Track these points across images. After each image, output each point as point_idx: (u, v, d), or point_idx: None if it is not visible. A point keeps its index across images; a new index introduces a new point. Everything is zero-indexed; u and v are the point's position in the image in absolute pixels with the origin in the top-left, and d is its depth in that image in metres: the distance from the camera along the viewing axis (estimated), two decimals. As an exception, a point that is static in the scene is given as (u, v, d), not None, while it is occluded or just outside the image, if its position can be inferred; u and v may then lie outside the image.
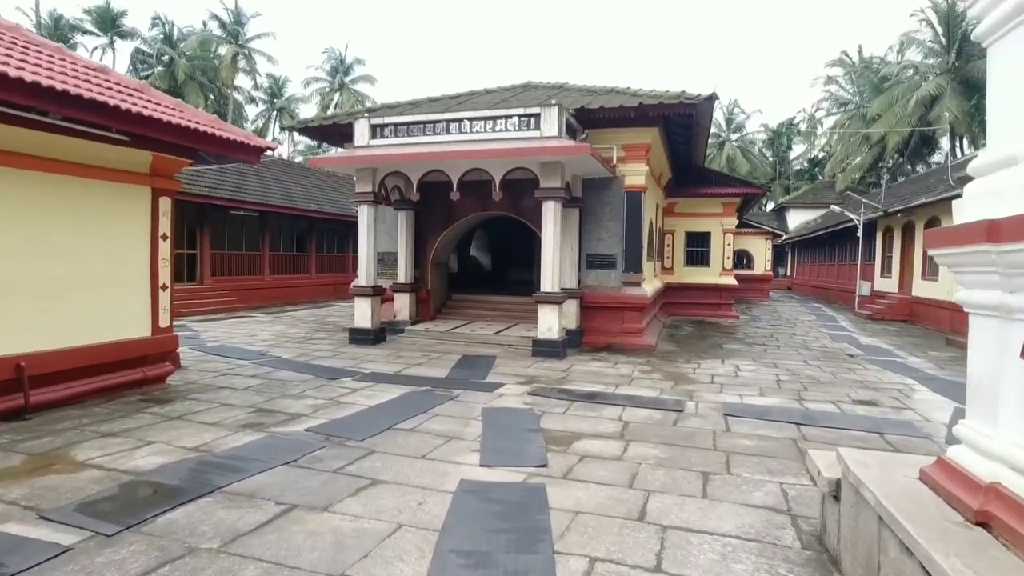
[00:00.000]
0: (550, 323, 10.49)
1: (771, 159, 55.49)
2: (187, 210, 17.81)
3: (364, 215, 11.67)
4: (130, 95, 6.49)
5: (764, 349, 12.15)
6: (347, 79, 49.53)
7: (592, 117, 11.25)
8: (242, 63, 46.78)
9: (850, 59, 40.93)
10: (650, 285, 13.72)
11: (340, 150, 14.68)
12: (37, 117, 5.62)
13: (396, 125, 11.13)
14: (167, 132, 6.50)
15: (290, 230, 22.46)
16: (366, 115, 11.67)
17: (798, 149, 54.77)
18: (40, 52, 6.31)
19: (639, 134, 11.86)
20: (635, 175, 12.09)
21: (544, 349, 10.39)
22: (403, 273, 12.91)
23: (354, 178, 11.80)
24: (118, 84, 6.73)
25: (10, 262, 5.74)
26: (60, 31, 41.42)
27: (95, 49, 43.57)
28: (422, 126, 10.96)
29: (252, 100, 50.21)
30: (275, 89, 50.89)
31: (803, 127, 52.12)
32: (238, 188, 19.70)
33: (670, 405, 7.05)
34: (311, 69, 56.21)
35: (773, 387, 8.32)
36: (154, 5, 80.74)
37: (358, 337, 11.54)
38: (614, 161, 11.71)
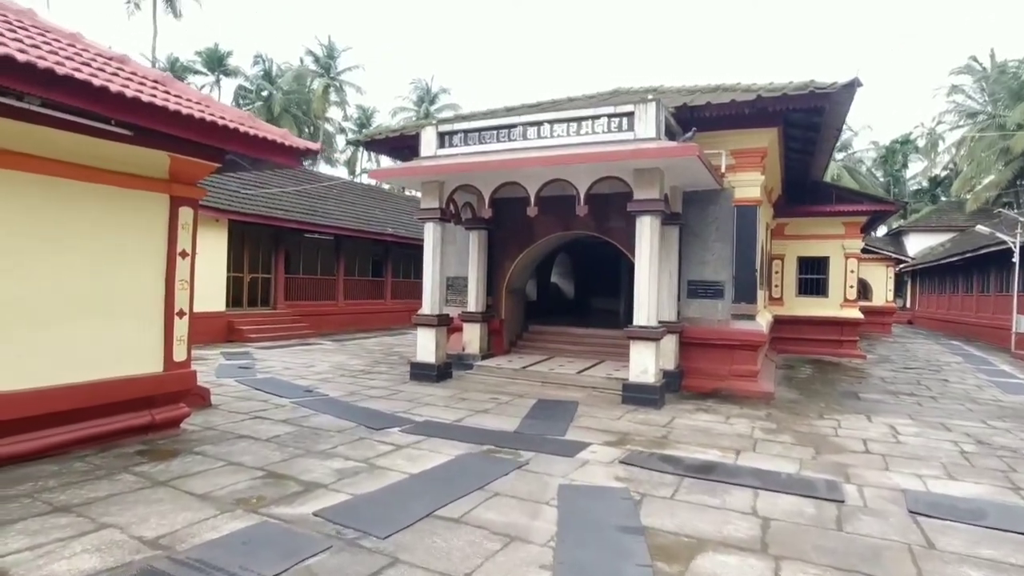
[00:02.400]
0: (645, 364, 8.59)
1: (882, 179, 50.46)
2: (262, 233, 17.44)
3: (430, 234, 10.34)
4: (142, 83, 5.43)
5: (917, 402, 9.59)
6: (432, 107, 49.96)
7: (695, 118, 9.39)
8: (333, 95, 48.35)
9: (980, 65, 36.32)
10: (763, 318, 11.49)
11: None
12: (14, 103, 4.58)
13: (466, 132, 9.78)
14: (182, 126, 5.36)
15: (366, 254, 21.83)
16: (434, 123, 10.42)
17: (915, 167, 49.57)
18: (44, 34, 5.38)
19: (754, 136, 9.87)
20: (748, 186, 10.06)
21: (637, 395, 8.49)
22: (474, 301, 11.45)
23: (419, 193, 10.54)
24: (135, 74, 5.71)
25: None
26: (176, 72, 44.39)
27: (203, 87, 46.38)
28: (495, 132, 9.54)
29: (342, 130, 51.71)
30: (364, 119, 52.20)
31: (921, 143, 47.08)
32: (314, 211, 19.23)
33: (822, 491, 4.99)
34: (398, 99, 57.53)
35: (961, 463, 6.01)
36: (257, 45, 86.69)
37: (420, 373, 10.12)
38: (722, 170, 9.77)
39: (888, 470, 5.69)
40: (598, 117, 8.87)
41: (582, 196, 8.95)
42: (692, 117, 9.38)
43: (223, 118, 5.77)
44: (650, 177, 8.60)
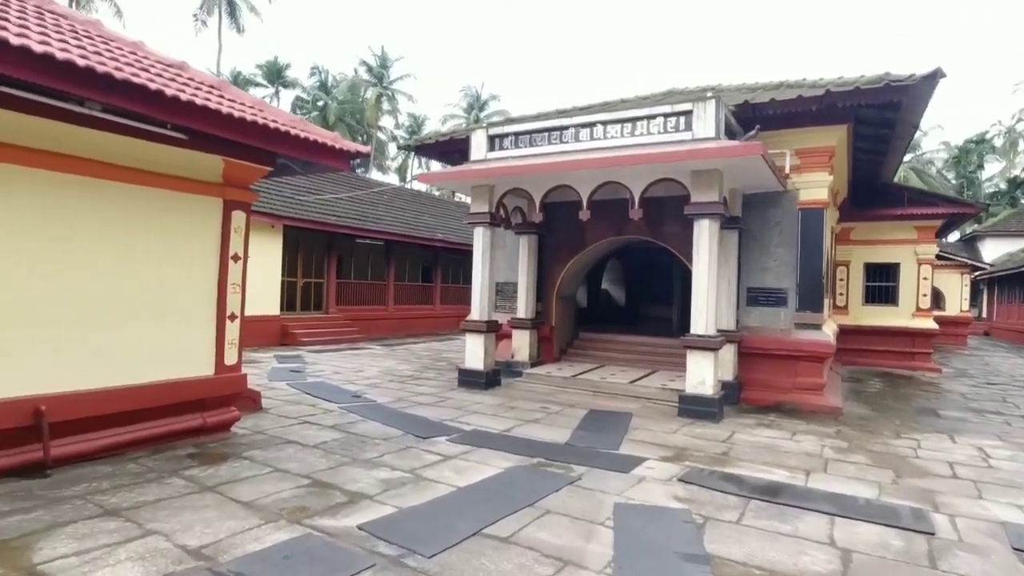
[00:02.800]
0: (703, 375, 8.16)
1: (954, 181, 47.64)
2: (315, 239, 17.75)
3: (479, 239, 10.18)
4: (198, 89, 5.46)
5: (1005, 421, 8.78)
6: (482, 114, 50.23)
7: (757, 116, 8.91)
8: (385, 104, 49.28)
9: (1068, 58, 33.78)
10: (830, 328, 10.83)
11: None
12: (75, 108, 4.65)
13: (517, 134, 9.59)
14: (235, 129, 5.36)
15: (416, 260, 21.97)
16: (484, 126, 10.28)
17: (992, 168, 46.59)
18: (108, 43, 5.49)
19: (820, 135, 9.30)
20: (814, 187, 9.48)
21: (694, 408, 8.07)
22: (523, 307, 11.23)
23: (468, 198, 10.42)
24: (192, 80, 5.77)
25: (30, 284, 4.76)
26: (239, 84, 46.19)
27: (263, 98, 48.07)
28: (546, 134, 9.31)
29: (394, 138, 52.64)
30: (415, 127, 52.97)
31: (999, 142, 44.24)
32: (365, 217, 19.47)
33: (908, 520, 4.52)
34: (448, 107, 58.16)
35: (1067, 494, 5.38)
36: (314, 57, 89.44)
37: (468, 380, 9.96)
38: (786, 171, 9.24)
39: (982, 498, 5.14)
40: (654, 117, 8.53)
41: (636, 199, 8.62)
42: (753, 115, 8.91)
43: (275, 121, 5.76)
44: (708, 179, 8.19)
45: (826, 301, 10.60)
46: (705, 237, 8.26)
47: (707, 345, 8.15)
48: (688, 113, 8.24)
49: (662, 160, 8.01)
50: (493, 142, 9.82)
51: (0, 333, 4.56)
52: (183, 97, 4.83)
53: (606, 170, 8.46)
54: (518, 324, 11.23)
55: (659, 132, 8.44)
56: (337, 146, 6.28)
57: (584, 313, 14.36)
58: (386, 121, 51.61)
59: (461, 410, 8.03)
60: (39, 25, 4.80)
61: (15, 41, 3.88)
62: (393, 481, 4.91)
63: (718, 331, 8.65)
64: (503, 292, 12.03)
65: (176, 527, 3.79)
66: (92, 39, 5.39)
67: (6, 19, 4.40)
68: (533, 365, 11.11)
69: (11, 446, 4.61)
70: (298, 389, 9.06)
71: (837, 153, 9.91)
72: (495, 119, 49.02)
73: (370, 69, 49.11)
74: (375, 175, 48.83)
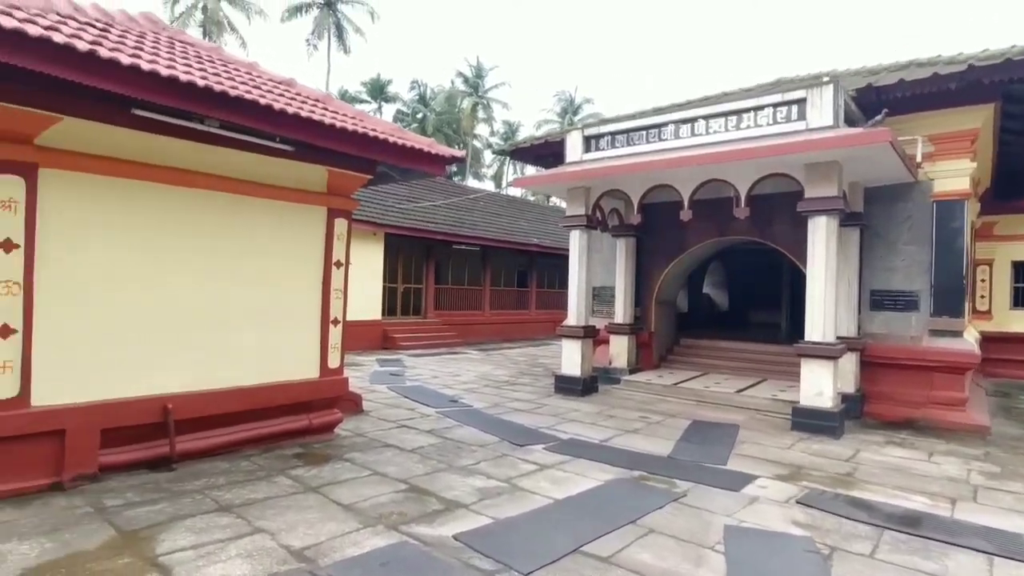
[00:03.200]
0: (820, 385, 7.47)
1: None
2: (414, 245, 18.29)
3: (575, 242, 9.98)
4: (304, 102, 5.70)
5: None
6: (576, 118, 49.97)
7: (881, 101, 8.06)
8: (481, 112, 50.29)
9: None
10: (971, 335, 9.61)
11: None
12: (197, 126, 4.97)
13: (613, 134, 9.31)
14: (337, 139, 5.54)
15: (511, 265, 22.10)
16: (580, 127, 10.08)
17: None
18: (226, 65, 5.86)
19: (960, 117, 8.26)
20: (952, 177, 8.44)
21: (810, 422, 7.39)
22: (621, 312, 10.88)
23: (563, 202, 10.25)
24: (299, 95, 6.04)
25: (157, 290, 5.13)
26: (345, 101, 48.91)
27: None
28: (644, 132, 8.96)
29: (489, 145, 53.58)
30: (509, 133, 53.62)
31: None
32: (462, 223, 19.82)
33: (1092, 567, 3.80)
34: (542, 112, 58.45)
35: None
36: (414, 71, 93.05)
37: (564, 386, 9.76)
38: (917, 159, 8.29)
39: None
40: (761, 108, 7.95)
41: (743, 197, 8.06)
42: (877, 100, 8.08)
43: (374, 130, 5.89)
44: (826, 171, 7.50)
45: (966, 305, 9.41)
46: (821, 235, 7.57)
47: (825, 353, 7.45)
48: (801, 101, 7.61)
49: (773, 153, 7.43)
50: (589, 143, 9.60)
51: (135, 337, 4.95)
52: (290, 110, 5.05)
53: (709, 167, 7.98)
54: (616, 329, 10.89)
55: (768, 124, 7.85)
56: (432, 151, 6.34)
57: (684, 318, 13.73)
58: (481, 129, 52.69)
59: (557, 417, 7.86)
60: (168, 53, 5.18)
61: (146, 67, 4.19)
62: (489, 490, 4.81)
63: (837, 338, 7.89)
64: (600, 296, 11.75)
65: (281, 526, 3.89)
66: (213, 63, 5.76)
67: (141, 49, 4.78)
68: (631, 372, 10.73)
69: (143, 440, 4.98)
70: (397, 393, 9.27)
71: (981, 137, 8.78)
72: (589, 122, 48.64)
73: (466, 80, 50.33)
74: (471, 182, 49.89)
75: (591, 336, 10.00)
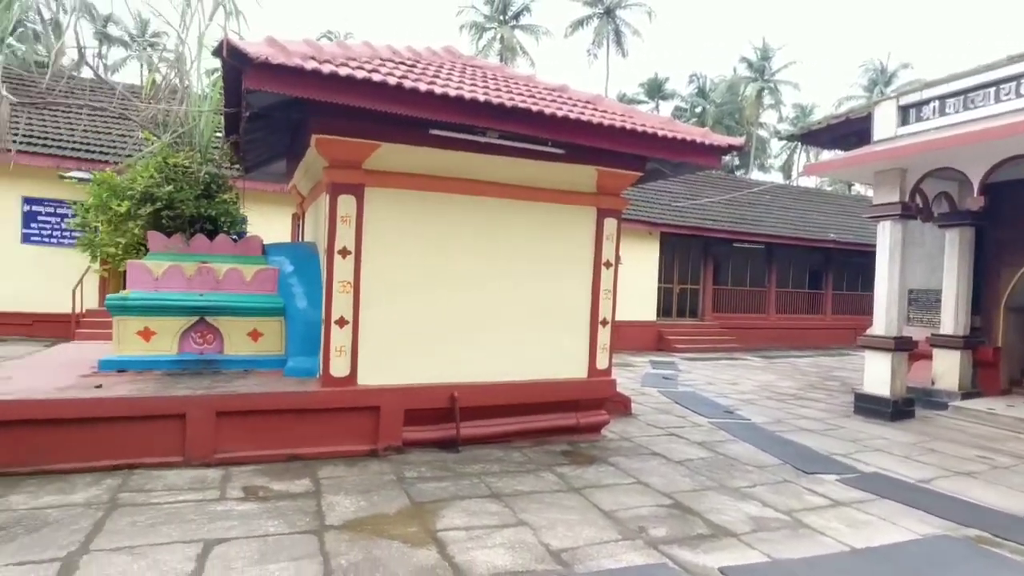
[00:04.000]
0: None
1: None
2: (691, 244, 17.59)
3: (886, 235, 8.29)
4: (574, 106, 5.81)
5: None
6: (887, 89, 42.37)
7: None
8: (767, 98, 46.14)
9: None
10: None
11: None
12: (480, 138, 5.43)
13: (942, 97, 7.50)
14: (605, 137, 5.51)
15: (801, 264, 19.71)
16: (894, 95, 8.36)
17: None
18: (507, 81, 6.31)
19: None
20: None
21: None
22: (951, 320, 8.75)
23: (868, 190, 8.62)
24: (570, 99, 6.18)
25: (447, 289, 5.72)
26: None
27: (643, 113, 50.65)
28: (991, 89, 7.01)
29: (776, 133, 48.92)
30: (801, 117, 48.13)
31: None
32: (743, 219, 18.36)
33: None
34: (845, 87, 51.00)
35: None
36: (691, 66, 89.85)
37: (867, 407, 8.21)
38: None
39: None
40: None
41: None
42: None
43: (643, 125, 5.70)
44: None
45: None
46: None
47: None
48: None
49: None
50: (905, 113, 7.92)
51: (430, 331, 5.64)
52: (559, 113, 5.20)
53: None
54: (942, 342, 8.80)
55: None
56: (706, 141, 5.88)
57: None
58: (768, 116, 48.39)
59: (856, 444, 6.62)
60: (459, 77, 5.76)
61: (438, 91, 4.72)
62: (765, 520, 4.22)
63: None
64: (918, 301, 9.63)
65: (542, 523, 3.97)
66: (496, 80, 6.25)
67: (438, 77, 5.42)
68: (965, 397, 8.53)
69: (436, 422, 5.64)
70: (668, 398, 8.92)
71: None
72: (906, 88, 40.74)
73: (750, 64, 46.72)
74: (756, 175, 46.19)
75: (905, 349, 8.22)
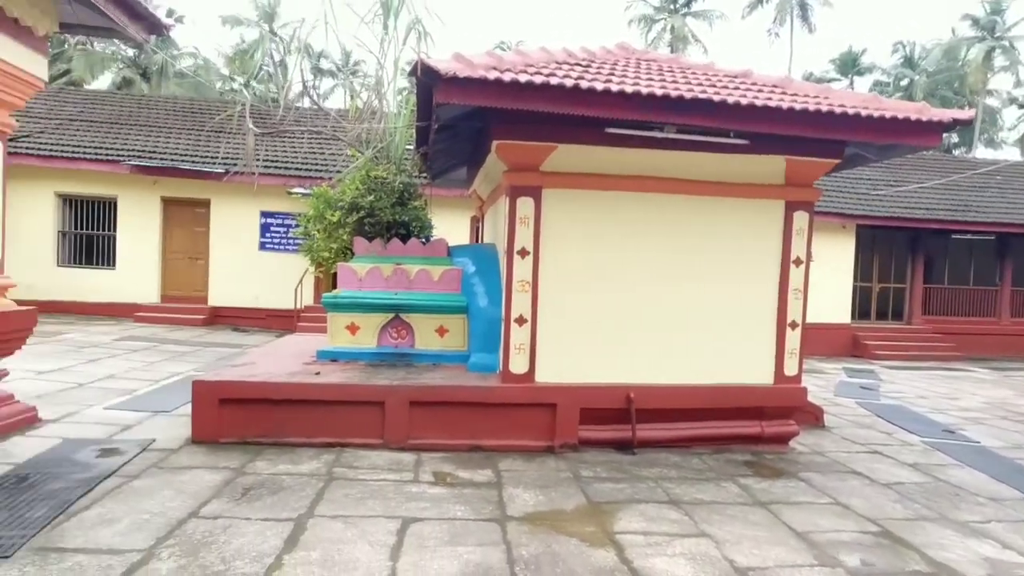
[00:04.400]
0: None
1: None
2: (895, 238, 15.53)
3: None
4: (759, 91, 5.41)
5: None
6: None
7: None
8: (999, 58, 38.83)
9: None
10: None
11: None
12: (656, 134, 5.29)
13: None
14: (795, 123, 5.06)
15: (1047, 258, 16.36)
16: None
17: None
18: (684, 71, 6.08)
19: None
20: None
21: None
22: None
23: None
24: (754, 84, 5.77)
25: (620, 288, 5.66)
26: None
27: (834, 92, 45.57)
28: None
29: (1012, 101, 41.07)
30: (1047, 80, 39.73)
31: None
32: (965, 206, 15.70)
33: None
34: None
35: None
36: (894, 34, 78.67)
37: None
38: None
39: None
40: None
41: None
42: None
43: (841, 106, 5.13)
44: None
45: None
46: None
47: None
48: None
49: None
50: None
51: (603, 329, 5.64)
52: (744, 101, 4.89)
53: None
54: None
55: None
56: (924, 118, 5.13)
57: None
58: (999, 82, 40.72)
59: None
60: (635, 73, 5.68)
61: (614, 88, 4.70)
62: (1007, 566, 3.57)
63: None
64: None
65: (726, 536, 3.77)
66: (672, 72, 6.04)
67: (613, 75, 5.40)
68: None
69: (611, 423, 5.63)
70: (869, 411, 7.94)
71: None
72: None
73: (975, 22, 39.62)
74: (981, 152, 39.28)
75: None
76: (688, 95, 4.89)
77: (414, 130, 6.88)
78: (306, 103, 13.73)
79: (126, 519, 3.58)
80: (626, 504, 4.26)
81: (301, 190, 12.52)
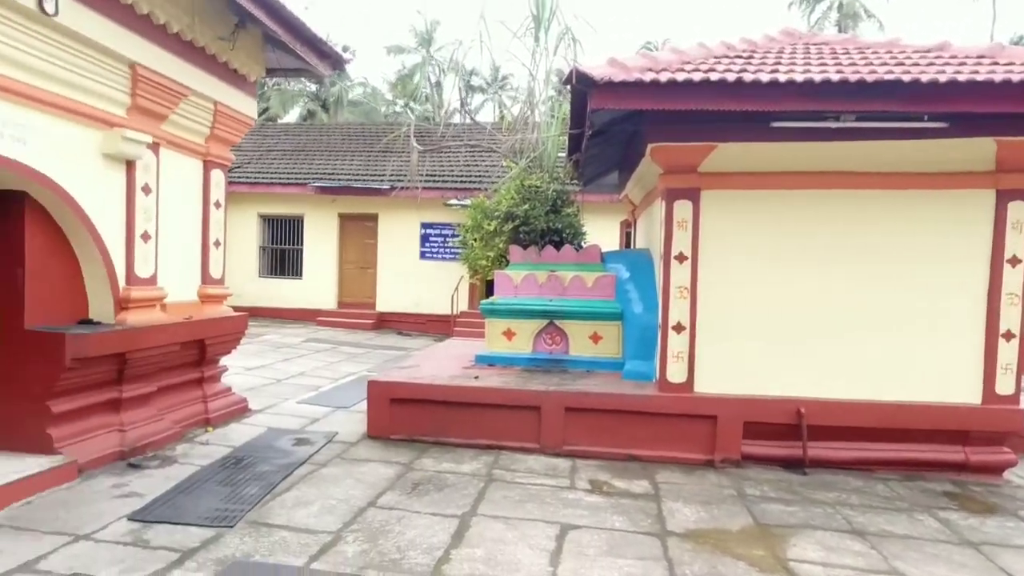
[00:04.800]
0: None
1: None
2: None
3: None
4: (961, 65, 4.72)
5: None
6: None
7: None
8: None
9: None
10: None
11: None
12: (832, 124, 4.81)
13: None
14: (1009, 98, 4.34)
15: None
16: None
17: None
18: (863, 51, 5.48)
19: None
20: None
21: None
22: None
23: None
24: (953, 58, 5.03)
25: (786, 294, 5.24)
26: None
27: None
28: None
29: None
30: None
31: None
32: None
33: None
34: None
35: None
36: None
37: None
38: None
39: None
40: None
41: None
42: None
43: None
44: None
45: None
46: None
47: None
48: None
49: None
50: None
51: (769, 339, 5.25)
52: (942, 79, 4.29)
53: None
54: None
55: None
56: None
57: None
58: None
59: None
60: (804, 59, 5.24)
61: (782, 79, 4.38)
62: None
63: None
64: None
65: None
66: (848, 54, 5.49)
67: (779, 63, 5.03)
68: None
69: (777, 439, 5.21)
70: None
71: None
72: None
73: None
74: None
75: None
76: (871, 78, 4.41)
77: (566, 137, 6.97)
78: (459, 119, 14.53)
79: (317, 503, 4.03)
80: (799, 529, 3.91)
81: (457, 202, 13.25)
